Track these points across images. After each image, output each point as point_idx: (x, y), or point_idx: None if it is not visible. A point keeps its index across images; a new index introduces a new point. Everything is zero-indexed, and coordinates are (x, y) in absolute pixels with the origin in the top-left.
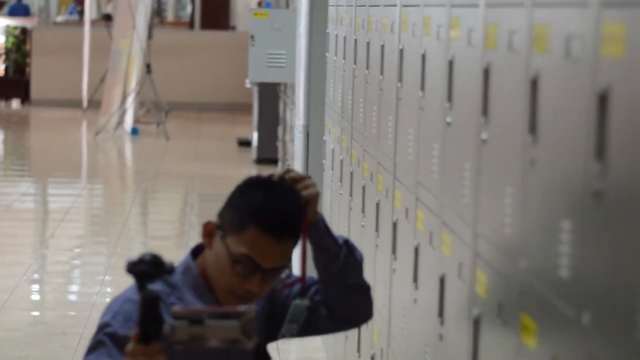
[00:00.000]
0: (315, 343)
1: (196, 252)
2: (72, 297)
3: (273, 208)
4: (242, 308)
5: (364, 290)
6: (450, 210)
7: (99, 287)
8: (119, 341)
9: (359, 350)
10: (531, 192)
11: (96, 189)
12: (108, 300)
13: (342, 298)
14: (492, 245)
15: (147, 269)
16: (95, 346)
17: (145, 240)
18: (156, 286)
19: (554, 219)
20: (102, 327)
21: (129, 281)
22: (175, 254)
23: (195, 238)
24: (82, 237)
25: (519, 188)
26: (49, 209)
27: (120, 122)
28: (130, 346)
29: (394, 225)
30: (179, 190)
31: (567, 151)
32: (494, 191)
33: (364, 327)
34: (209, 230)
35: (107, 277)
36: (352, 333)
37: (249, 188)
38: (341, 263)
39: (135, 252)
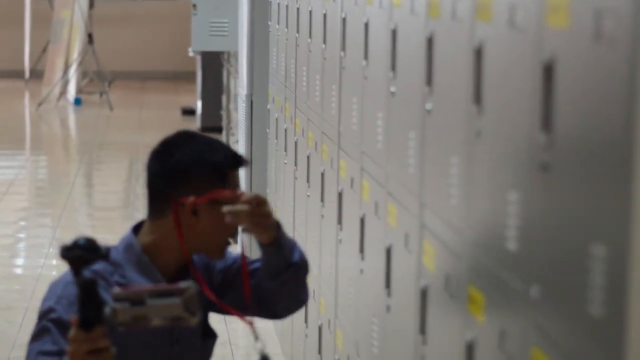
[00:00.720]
0: None
1: (136, 229)
2: (17, 271)
3: (225, 148)
4: (182, 285)
5: (301, 295)
6: (395, 181)
7: (44, 259)
8: (64, 326)
9: (306, 321)
10: (477, 163)
11: (40, 161)
12: (54, 273)
13: (276, 294)
14: (439, 217)
15: (81, 254)
16: (39, 333)
17: (90, 212)
18: (98, 265)
19: (501, 190)
20: (45, 313)
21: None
22: (120, 225)
23: (140, 209)
24: (26, 210)
25: (465, 159)
26: None
27: (63, 92)
28: (72, 333)
29: (340, 195)
30: (124, 161)
31: (512, 122)
32: (440, 162)
33: (310, 297)
34: (192, 210)
35: (52, 250)
36: None
37: (189, 147)
38: (283, 279)
39: (80, 224)
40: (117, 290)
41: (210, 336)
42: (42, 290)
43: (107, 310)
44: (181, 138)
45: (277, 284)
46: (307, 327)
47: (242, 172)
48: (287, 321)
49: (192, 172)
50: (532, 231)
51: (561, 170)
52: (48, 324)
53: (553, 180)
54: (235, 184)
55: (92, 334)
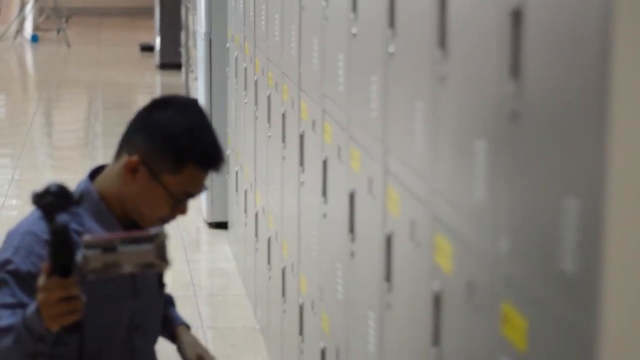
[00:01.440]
0: (225, 253)
1: (93, 175)
2: None
3: (208, 145)
4: (153, 231)
5: None
6: (358, 124)
7: (4, 199)
8: (22, 278)
9: (269, 263)
10: (442, 109)
11: None
12: (13, 214)
13: None
14: (403, 163)
15: (54, 201)
16: None
17: (50, 151)
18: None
19: (468, 138)
20: (3, 264)
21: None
22: (80, 164)
23: (99, 148)
24: None
25: (430, 104)
26: None
27: (20, 29)
28: (42, 281)
29: (301, 137)
30: (83, 99)
31: (480, 68)
32: (403, 106)
33: (273, 240)
34: (132, 167)
35: (10, 190)
36: (262, 245)
37: (173, 116)
38: None
39: (40, 163)
40: (87, 237)
41: (162, 285)
42: (1, 233)
43: (78, 257)
44: (179, 103)
45: None
46: (270, 269)
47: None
48: (249, 262)
49: (155, 137)
50: (500, 182)
51: (531, 119)
52: (6, 276)
53: (522, 129)
54: (191, 184)
55: (66, 281)
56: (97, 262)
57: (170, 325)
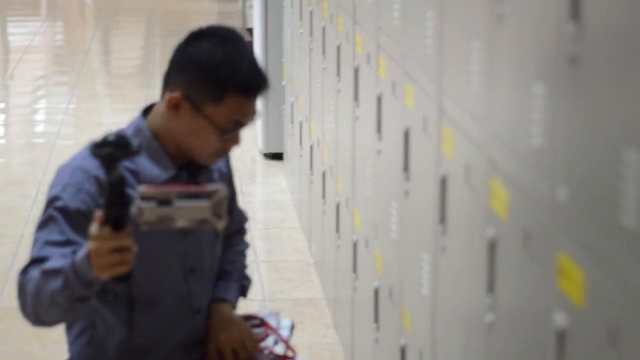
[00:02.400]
0: (281, 185)
1: (146, 112)
2: (34, 140)
3: (245, 68)
4: (211, 187)
5: None
6: (412, 61)
7: (59, 127)
8: (70, 215)
9: (323, 197)
10: (499, 50)
11: (56, 27)
12: (69, 143)
13: None
14: (458, 104)
15: (113, 152)
16: (46, 222)
17: (107, 80)
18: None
19: (525, 82)
20: (52, 201)
21: (89, 123)
22: (137, 93)
23: (157, 76)
24: (43, 77)
25: (486, 45)
26: (9, 46)
27: None
28: (95, 229)
29: (356, 70)
30: (140, 26)
31: (538, 9)
32: (459, 46)
33: (327, 173)
34: (174, 103)
35: (67, 118)
36: (317, 178)
37: (209, 47)
38: None
39: (96, 91)
40: (143, 188)
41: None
42: (56, 163)
43: (133, 209)
44: (215, 34)
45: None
46: (324, 203)
47: (258, 100)
48: (304, 195)
49: (193, 70)
50: (559, 128)
51: (591, 64)
52: (54, 212)
53: (582, 74)
54: (235, 112)
55: (120, 234)
56: (152, 215)
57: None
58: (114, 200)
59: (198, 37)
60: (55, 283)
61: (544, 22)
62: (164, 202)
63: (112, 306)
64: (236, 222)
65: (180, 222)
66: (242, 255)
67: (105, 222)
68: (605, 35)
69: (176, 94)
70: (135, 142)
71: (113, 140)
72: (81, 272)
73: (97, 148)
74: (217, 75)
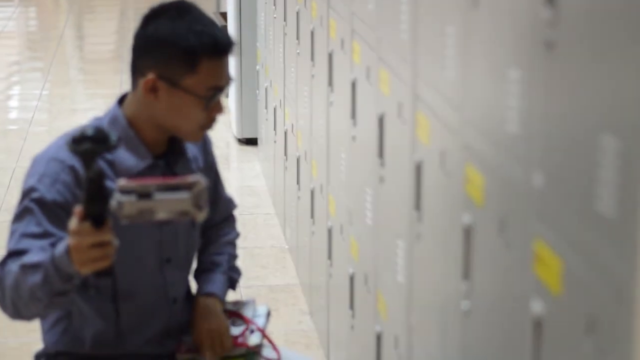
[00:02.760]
0: (255, 170)
1: (122, 100)
2: (7, 127)
3: (210, 31)
4: (191, 179)
5: None
6: (387, 46)
7: (32, 114)
8: (47, 207)
9: (298, 182)
10: (475, 36)
11: (29, 12)
12: (43, 129)
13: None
14: (433, 89)
15: (92, 147)
16: (22, 213)
17: (81, 65)
18: None
19: (500, 67)
20: (28, 192)
21: (63, 108)
22: (111, 79)
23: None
24: (16, 63)
25: (461, 30)
26: None
27: None
28: (74, 224)
29: (330, 56)
30: (114, 10)
31: None
32: (434, 30)
33: (302, 159)
34: (150, 86)
35: (40, 104)
36: (291, 164)
37: (168, 22)
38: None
39: (70, 77)
40: (123, 182)
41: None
42: (29, 149)
43: (113, 203)
44: (169, 9)
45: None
46: (299, 189)
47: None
48: (279, 181)
49: (160, 48)
50: (535, 113)
51: (567, 49)
52: (31, 204)
53: (558, 60)
54: (212, 76)
55: (101, 230)
56: (132, 209)
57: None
58: (93, 195)
59: (153, 17)
60: (35, 278)
61: (520, 7)
62: (144, 195)
63: (94, 300)
64: (223, 210)
65: (161, 215)
66: (231, 245)
67: (85, 217)
68: (581, 20)
69: (150, 77)
70: (113, 135)
71: (92, 135)
72: (61, 267)
73: (75, 144)
74: (186, 45)
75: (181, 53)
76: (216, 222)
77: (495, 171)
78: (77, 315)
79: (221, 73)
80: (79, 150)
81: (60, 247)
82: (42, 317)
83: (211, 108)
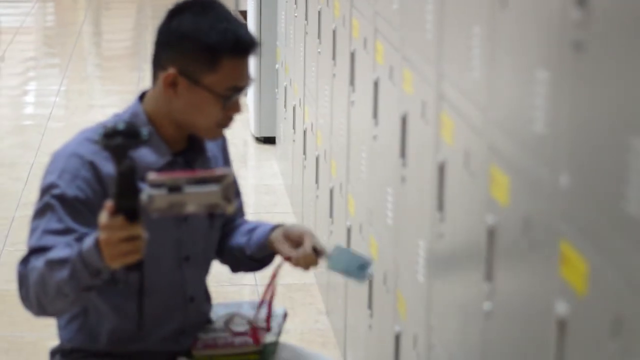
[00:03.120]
0: (273, 169)
1: (143, 96)
2: (24, 122)
3: (233, 30)
4: (219, 171)
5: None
6: (411, 46)
7: (50, 110)
8: (68, 203)
9: (317, 182)
10: (501, 36)
11: (47, 7)
12: (60, 125)
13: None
14: (458, 89)
15: (124, 142)
16: (43, 210)
17: (98, 62)
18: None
19: (527, 68)
20: (48, 188)
21: (80, 104)
22: (128, 76)
23: (148, 58)
24: (34, 59)
25: (488, 30)
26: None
27: None
28: (105, 219)
29: (352, 55)
30: (131, 7)
31: None
32: (460, 30)
33: (321, 158)
34: (170, 81)
35: (58, 100)
36: (310, 163)
37: (192, 18)
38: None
39: (87, 74)
40: (153, 176)
41: (218, 215)
42: (47, 145)
43: (143, 197)
44: (193, 4)
45: (250, 261)
46: (317, 188)
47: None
48: (297, 180)
49: (182, 43)
50: (562, 114)
51: (596, 50)
52: (51, 200)
53: (587, 61)
54: (233, 76)
55: (132, 225)
56: (162, 202)
57: (264, 244)
58: (125, 189)
59: (178, 12)
60: (62, 273)
61: (549, 7)
62: (174, 188)
63: (113, 296)
64: (241, 210)
65: (191, 208)
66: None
67: (116, 211)
68: (611, 22)
69: (171, 72)
70: (144, 130)
71: (123, 130)
72: (89, 261)
73: (107, 138)
74: (207, 42)
75: (203, 50)
76: (230, 218)
77: (520, 172)
78: (94, 312)
79: (242, 73)
80: (111, 145)
81: (89, 242)
82: (67, 313)
83: (229, 107)
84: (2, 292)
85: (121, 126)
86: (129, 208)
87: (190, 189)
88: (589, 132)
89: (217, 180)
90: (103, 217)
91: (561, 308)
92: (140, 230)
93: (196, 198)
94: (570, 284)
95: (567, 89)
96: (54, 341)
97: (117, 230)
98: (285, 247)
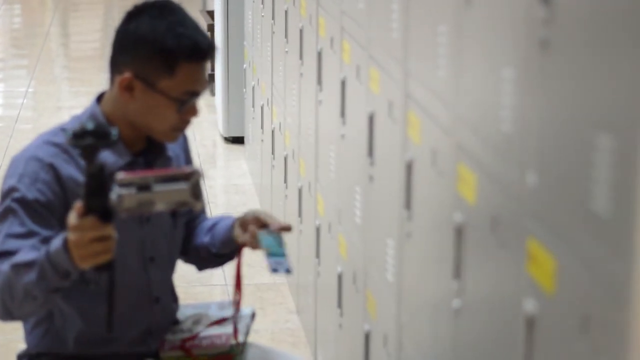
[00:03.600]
0: (242, 169)
1: (100, 98)
2: None
3: (190, 35)
4: (188, 169)
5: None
6: (378, 45)
7: (18, 111)
8: (29, 206)
9: (285, 181)
10: (467, 34)
11: (14, 9)
12: (28, 127)
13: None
14: (425, 88)
15: (94, 142)
16: (4, 214)
17: (66, 63)
18: (59, 138)
19: (494, 65)
20: (8, 192)
21: (48, 106)
22: (97, 77)
23: None
24: (1, 61)
25: (454, 28)
26: None
27: None
28: (74, 220)
29: (319, 54)
30: (99, 8)
31: None
32: (426, 29)
33: (290, 158)
34: (126, 85)
35: (26, 102)
36: (279, 162)
37: (149, 21)
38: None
39: (55, 75)
40: (122, 175)
41: (181, 215)
42: (15, 147)
43: (112, 196)
44: (152, 7)
45: (216, 258)
46: (286, 187)
47: (215, 60)
48: (266, 180)
49: (138, 47)
50: (529, 113)
51: (562, 48)
52: (12, 204)
53: (553, 59)
54: (189, 81)
55: (105, 225)
56: (132, 201)
57: (229, 239)
58: (95, 190)
59: (136, 15)
60: (30, 276)
61: (514, 5)
62: (143, 187)
63: (78, 299)
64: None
65: (160, 206)
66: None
67: (86, 212)
68: (576, 19)
69: (127, 75)
70: (114, 131)
71: (93, 130)
72: (57, 262)
73: (76, 138)
74: (164, 47)
75: (159, 54)
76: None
77: (488, 170)
78: (59, 316)
79: (198, 78)
80: (81, 145)
81: (56, 243)
82: (34, 317)
83: (185, 111)
84: None
85: (90, 126)
86: (100, 208)
87: (159, 187)
88: (555, 130)
89: (185, 177)
90: (72, 218)
91: (529, 305)
92: (111, 230)
93: (165, 196)
94: (538, 281)
95: (533, 87)
96: (23, 344)
97: (87, 230)
98: (245, 236)
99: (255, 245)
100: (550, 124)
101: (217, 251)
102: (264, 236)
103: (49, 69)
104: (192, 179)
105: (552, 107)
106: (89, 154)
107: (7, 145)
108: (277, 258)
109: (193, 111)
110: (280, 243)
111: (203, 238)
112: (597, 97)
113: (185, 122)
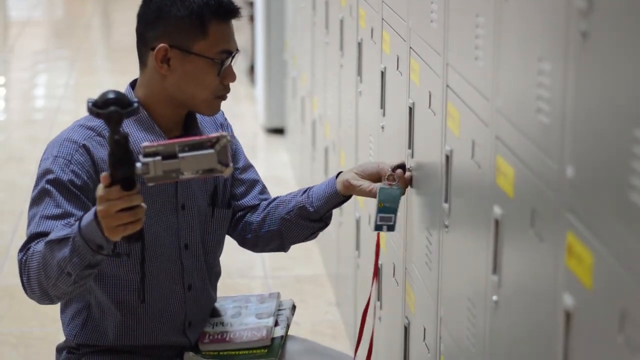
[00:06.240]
0: (282, 160)
1: (135, 83)
2: (34, 116)
3: None
4: (214, 135)
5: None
6: (417, 35)
7: (59, 102)
8: (64, 187)
9: (326, 173)
10: (506, 25)
11: (56, 1)
12: (69, 118)
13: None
14: (464, 79)
15: (117, 110)
16: (40, 196)
17: (107, 53)
18: (94, 121)
19: (533, 57)
20: (43, 175)
21: (88, 97)
22: (137, 68)
23: None
24: (43, 52)
25: (493, 20)
26: (9, 20)
27: None
28: (101, 191)
29: (359, 45)
30: None
31: None
32: (465, 20)
33: (330, 149)
34: (162, 56)
35: (67, 93)
36: (319, 154)
37: None
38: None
39: (97, 66)
40: (146, 144)
41: (222, 206)
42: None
43: (138, 165)
44: None
45: (309, 222)
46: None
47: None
48: (306, 171)
49: (167, 17)
50: (567, 105)
51: (601, 40)
52: (47, 186)
53: (592, 50)
54: (222, 39)
55: (130, 194)
56: (158, 170)
57: (334, 193)
58: (121, 158)
59: None
60: (63, 252)
61: None
62: (169, 155)
63: (125, 269)
64: (257, 191)
65: (187, 174)
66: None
67: (112, 182)
68: (616, 10)
69: (161, 46)
70: (134, 99)
71: (116, 98)
72: (89, 236)
73: (98, 107)
74: (193, 9)
75: (189, 18)
76: (247, 204)
77: (526, 163)
78: (96, 307)
79: (230, 36)
80: (105, 113)
81: (87, 217)
82: (71, 297)
83: (224, 75)
84: (11, 287)
85: (112, 95)
86: (125, 177)
87: (184, 154)
88: (595, 122)
89: (211, 143)
90: (99, 189)
91: (568, 300)
92: (139, 200)
93: (192, 163)
94: (576, 276)
95: (572, 79)
96: (63, 337)
97: (114, 201)
98: (365, 183)
99: (374, 194)
100: (590, 116)
101: (315, 210)
102: (383, 190)
103: (90, 60)
104: (218, 144)
105: (591, 99)
106: (113, 121)
107: (48, 136)
108: (387, 214)
109: (231, 75)
110: (397, 199)
111: (295, 200)
112: (637, 89)
113: (225, 88)
